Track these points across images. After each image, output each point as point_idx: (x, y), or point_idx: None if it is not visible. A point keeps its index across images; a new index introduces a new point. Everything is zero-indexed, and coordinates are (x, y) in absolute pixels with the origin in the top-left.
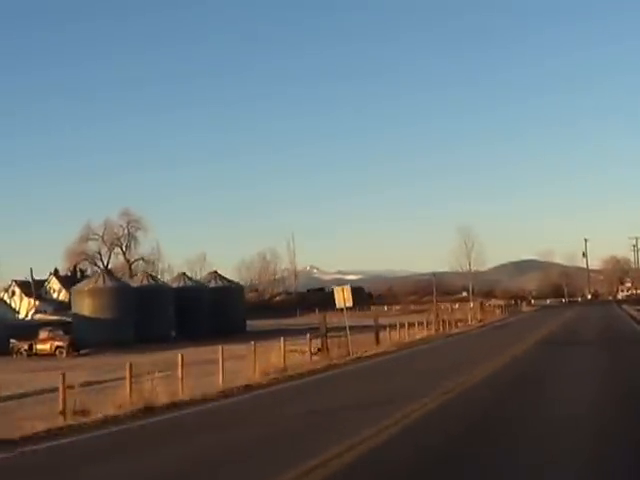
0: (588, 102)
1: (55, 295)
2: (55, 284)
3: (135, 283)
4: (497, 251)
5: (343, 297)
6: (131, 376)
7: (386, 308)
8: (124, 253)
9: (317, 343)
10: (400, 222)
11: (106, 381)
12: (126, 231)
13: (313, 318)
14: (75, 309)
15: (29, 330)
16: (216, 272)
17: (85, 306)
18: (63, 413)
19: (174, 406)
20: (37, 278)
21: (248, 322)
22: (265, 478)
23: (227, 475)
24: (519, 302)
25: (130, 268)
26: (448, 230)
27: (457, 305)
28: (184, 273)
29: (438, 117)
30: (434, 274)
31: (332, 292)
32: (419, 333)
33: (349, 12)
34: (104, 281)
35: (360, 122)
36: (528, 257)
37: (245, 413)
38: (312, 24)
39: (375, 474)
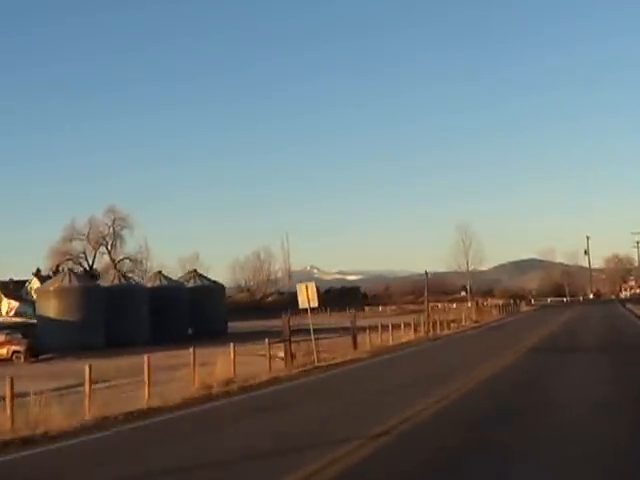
0: (589, 99)
1: (36, 296)
2: (37, 285)
3: (105, 283)
4: (498, 251)
5: (307, 296)
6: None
7: (381, 308)
8: (109, 252)
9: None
10: (401, 222)
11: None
12: (111, 229)
13: (304, 319)
14: (40, 310)
15: None
16: (195, 271)
17: (51, 307)
18: None
19: (30, 443)
20: (19, 279)
21: (234, 324)
22: None
23: None
24: (518, 302)
25: (116, 268)
26: (449, 229)
27: (455, 305)
28: (160, 272)
29: (438, 114)
30: (427, 272)
31: (325, 293)
32: (405, 335)
33: (349, 8)
34: (70, 280)
35: (359, 120)
36: (529, 256)
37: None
38: (311, 20)
39: None
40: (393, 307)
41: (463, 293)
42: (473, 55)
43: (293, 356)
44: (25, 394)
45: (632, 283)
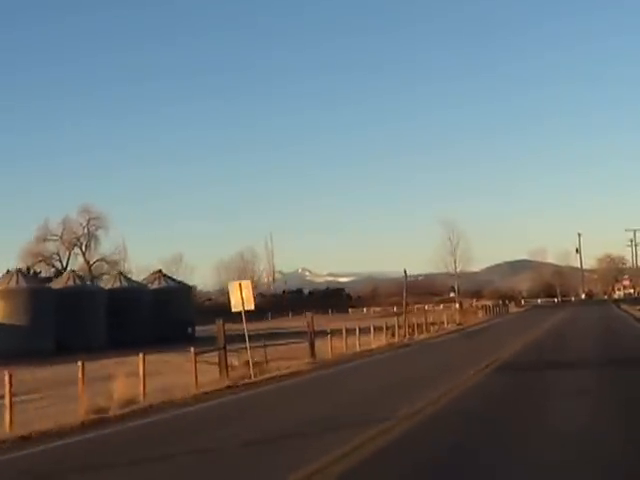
0: (590, 97)
1: None
2: None
3: (58, 285)
4: (489, 251)
5: (241, 296)
6: None
7: (365, 310)
8: (83, 254)
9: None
10: (394, 222)
11: None
12: (86, 230)
13: (284, 322)
14: None
15: None
16: (160, 271)
17: None
18: None
19: None
20: None
21: (208, 327)
22: None
23: None
24: (507, 302)
25: (90, 269)
26: (439, 229)
27: (441, 306)
28: (120, 272)
29: (437, 112)
30: (405, 272)
31: (309, 294)
32: (376, 341)
33: (349, 6)
34: (17, 281)
35: (357, 119)
36: (520, 257)
37: None
38: (311, 17)
39: None
40: (378, 309)
41: (452, 294)
42: (472, 53)
43: (231, 367)
44: None
45: (626, 282)
